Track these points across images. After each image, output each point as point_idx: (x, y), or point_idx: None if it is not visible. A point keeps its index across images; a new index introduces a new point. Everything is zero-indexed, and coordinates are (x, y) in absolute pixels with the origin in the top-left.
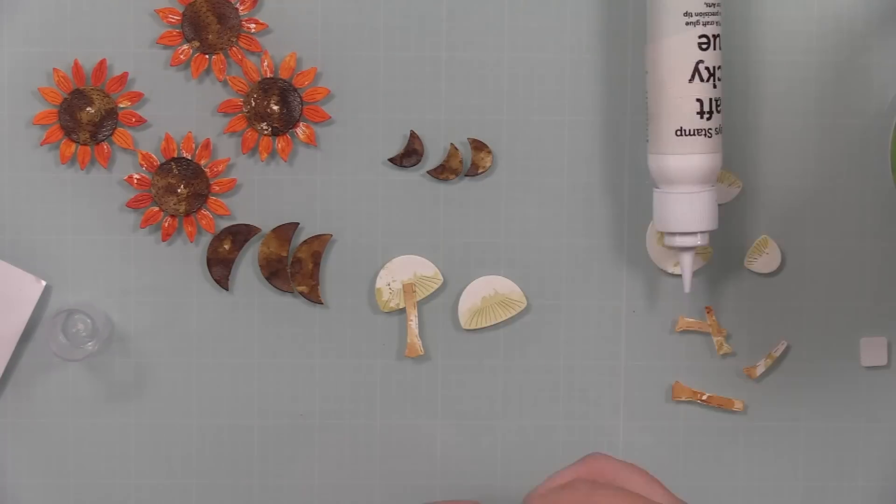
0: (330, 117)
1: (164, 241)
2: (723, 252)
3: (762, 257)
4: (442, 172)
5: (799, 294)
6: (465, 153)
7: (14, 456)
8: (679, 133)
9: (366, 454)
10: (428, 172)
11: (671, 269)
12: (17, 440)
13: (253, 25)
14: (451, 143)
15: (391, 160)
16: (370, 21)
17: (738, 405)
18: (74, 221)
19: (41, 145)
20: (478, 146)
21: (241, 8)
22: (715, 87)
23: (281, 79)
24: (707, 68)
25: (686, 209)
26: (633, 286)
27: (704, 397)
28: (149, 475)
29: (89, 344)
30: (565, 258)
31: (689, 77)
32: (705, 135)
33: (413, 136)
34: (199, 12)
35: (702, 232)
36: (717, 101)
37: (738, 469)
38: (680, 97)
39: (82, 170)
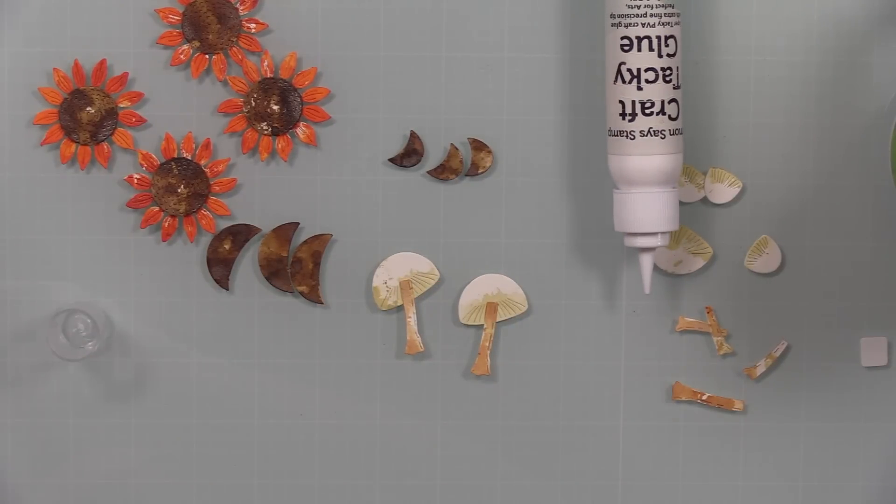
0: (330, 117)
1: (164, 241)
2: (723, 252)
3: (762, 257)
4: (442, 172)
5: (799, 294)
6: (465, 153)
7: (14, 456)
8: (610, 133)
9: (366, 454)
10: (428, 172)
11: (671, 269)
12: (17, 440)
13: (253, 25)
14: (451, 143)
15: (391, 160)
16: (370, 21)
17: (738, 405)
18: (74, 221)
19: (41, 145)
20: (478, 146)
21: (242, 8)
22: (640, 88)
23: (281, 79)
24: (630, 70)
25: (643, 210)
26: (633, 286)
27: (704, 397)
28: (149, 475)
29: (89, 344)
30: (565, 258)
31: (613, 78)
32: (628, 136)
33: (413, 136)
34: (199, 12)
35: (661, 233)
36: (656, 102)
37: (738, 469)
38: (608, 98)
39: (82, 170)
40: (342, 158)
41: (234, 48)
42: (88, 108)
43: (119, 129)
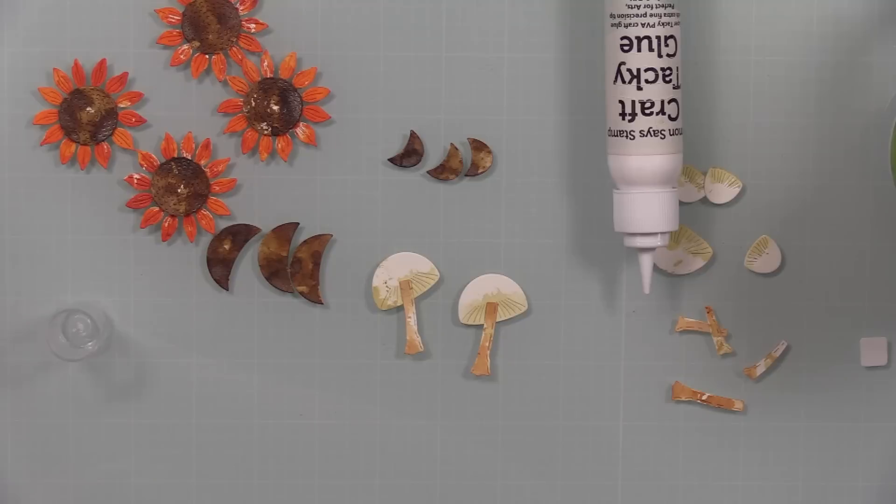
0: (330, 117)
1: (164, 241)
2: (723, 252)
3: (762, 257)
4: (442, 172)
5: (799, 294)
6: (465, 153)
7: (14, 456)
8: (610, 133)
9: (366, 454)
10: (428, 172)
11: (671, 269)
12: (17, 440)
13: (253, 25)
14: (451, 143)
15: (391, 160)
16: (370, 21)
17: (738, 405)
18: (74, 221)
19: (41, 145)
20: (478, 146)
21: (241, 8)
22: (640, 88)
23: (281, 79)
24: (630, 70)
25: (643, 210)
26: (633, 286)
27: (704, 397)
28: (149, 475)
29: (89, 344)
30: (565, 258)
31: (613, 78)
32: (628, 136)
33: (413, 136)
34: (199, 12)
35: (661, 233)
36: (656, 102)
37: (738, 469)
38: (608, 98)
39: (82, 170)
40: (342, 158)
41: (234, 48)
42: (88, 108)
43: (119, 129)
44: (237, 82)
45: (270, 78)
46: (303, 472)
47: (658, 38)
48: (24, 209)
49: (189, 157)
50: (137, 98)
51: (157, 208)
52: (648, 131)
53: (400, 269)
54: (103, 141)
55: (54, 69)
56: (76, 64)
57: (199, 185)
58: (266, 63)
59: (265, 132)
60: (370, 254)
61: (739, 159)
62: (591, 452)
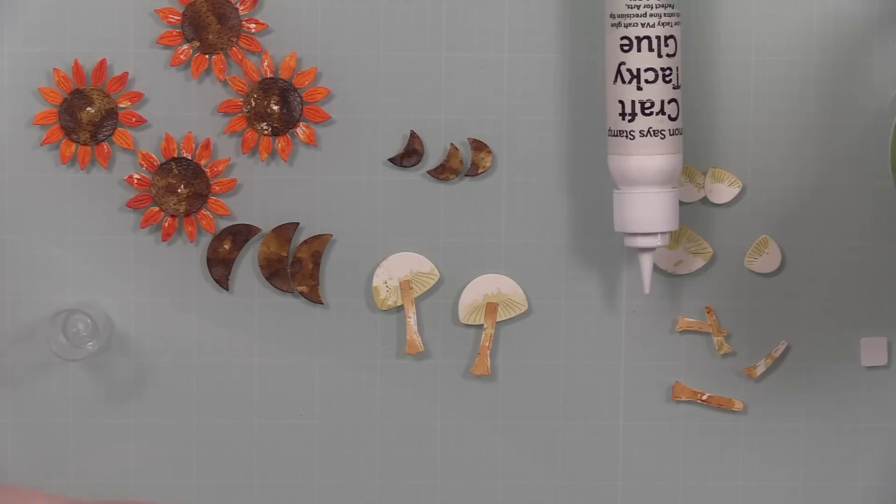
0: (330, 117)
1: (164, 241)
2: (723, 252)
3: (762, 257)
4: (442, 172)
5: (799, 294)
6: (465, 153)
7: (14, 456)
8: (610, 133)
9: (366, 454)
10: (428, 172)
11: (671, 269)
12: (17, 440)
13: (253, 25)
14: (451, 143)
15: (391, 160)
16: (370, 21)
17: (738, 405)
18: (74, 221)
19: (41, 145)
20: (478, 146)
21: (241, 8)
22: (640, 88)
23: (281, 79)
24: (630, 70)
25: (643, 210)
26: (633, 286)
27: (704, 397)
28: (149, 475)
29: (89, 344)
30: (565, 258)
31: (613, 78)
32: (628, 136)
33: (413, 136)
34: (199, 12)
35: (661, 233)
36: (656, 102)
37: (738, 469)
38: (608, 98)
39: (82, 170)
40: (342, 158)
41: (234, 48)
42: (88, 108)
43: (119, 129)
44: (237, 82)
45: (270, 78)
46: (303, 472)
47: (658, 38)
48: (24, 209)
49: (189, 157)
50: (137, 98)
51: (157, 208)
52: (648, 131)
53: (400, 269)
54: (103, 141)
55: (54, 69)
56: (76, 64)
57: (199, 185)
58: (266, 63)
59: (265, 132)
60: (370, 254)
61: (739, 159)
62: (591, 452)
